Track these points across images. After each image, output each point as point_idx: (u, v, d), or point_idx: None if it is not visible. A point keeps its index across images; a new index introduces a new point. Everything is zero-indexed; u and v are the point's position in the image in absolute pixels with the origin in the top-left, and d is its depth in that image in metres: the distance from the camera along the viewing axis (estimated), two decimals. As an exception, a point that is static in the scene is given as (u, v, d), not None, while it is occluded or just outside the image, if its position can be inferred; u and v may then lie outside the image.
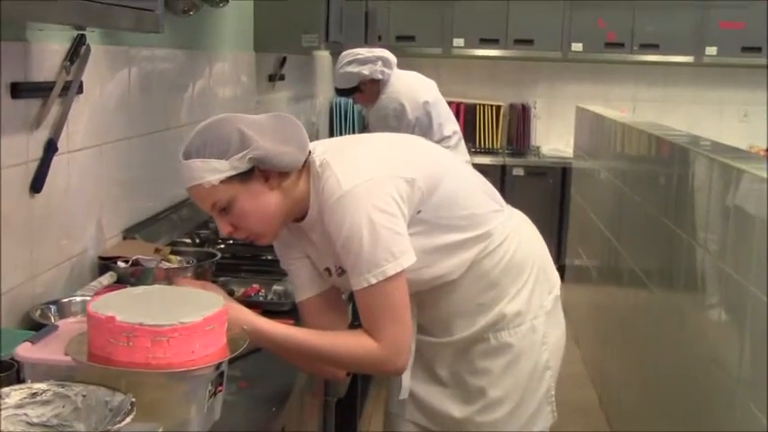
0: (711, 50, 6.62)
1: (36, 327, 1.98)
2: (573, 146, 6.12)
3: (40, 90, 2.09)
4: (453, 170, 2.06)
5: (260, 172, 1.80)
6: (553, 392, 2.19)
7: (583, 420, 4.26)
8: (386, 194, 1.82)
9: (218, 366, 1.61)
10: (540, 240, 2.23)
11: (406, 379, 2.16)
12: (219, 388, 1.67)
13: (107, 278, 2.35)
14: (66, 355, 1.57)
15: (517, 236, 2.11)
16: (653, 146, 3.74)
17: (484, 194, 2.11)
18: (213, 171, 1.77)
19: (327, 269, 1.97)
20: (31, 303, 2.11)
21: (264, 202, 1.83)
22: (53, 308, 2.13)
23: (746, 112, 7.00)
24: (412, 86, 4.37)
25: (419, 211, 1.91)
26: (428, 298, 2.08)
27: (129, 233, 2.70)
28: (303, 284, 2.05)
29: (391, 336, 1.82)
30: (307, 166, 1.89)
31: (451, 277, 2.03)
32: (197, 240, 3.08)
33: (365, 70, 4.26)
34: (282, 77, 4.79)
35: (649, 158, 3.86)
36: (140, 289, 1.78)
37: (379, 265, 1.78)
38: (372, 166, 1.86)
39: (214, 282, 2.53)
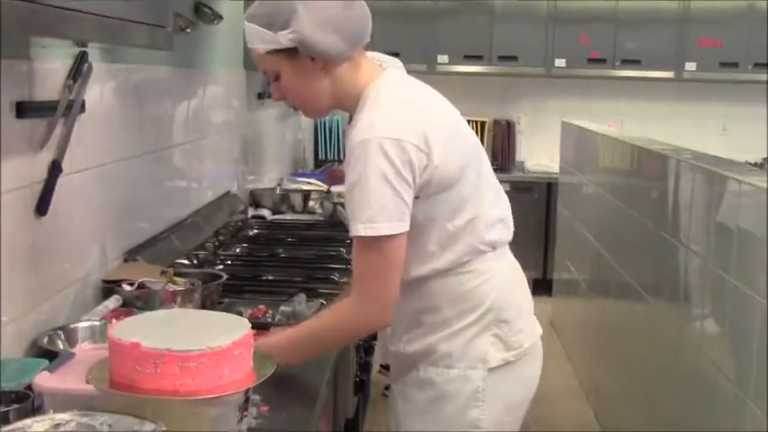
0: (691, 66, 6.65)
1: (44, 354, 1.91)
2: (559, 160, 6.10)
3: (44, 110, 2.02)
4: (477, 176, 1.94)
5: (304, 52, 1.80)
6: None
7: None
8: (407, 161, 1.77)
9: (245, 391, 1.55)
10: (514, 296, 2.03)
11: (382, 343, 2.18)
12: (245, 413, 1.60)
13: (112, 302, 2.27)
14: (88, 383, 1.49)
15: (487, 275, 1.96)
16: (646, 159, 3.72)
17: (495, 219, 1.98)
18: (261, 40, 1.81)
19: None
20: (36, 330, 2.03)
21: (308, 82, 1.85)
22: (61, 334, 2.04)
23: (725, 126, 7.03)
24: None
25: (416, 197, 1.83)
26: None
27: (130, 255, 2.62)
28: None
29: (370, 290, 1.82)
30: (369, 71, 1.90)
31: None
32: (194, 261, 3.01)
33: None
34: (270, 95, 4.72)
35: (643, 172, 3.84)
36: (160, 313, 1.71)
37: (373, 221, 1.76)
38: (412, 129, 1.79)
39: (220, 303, 2.48)
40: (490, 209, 1.97)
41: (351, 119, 1.92)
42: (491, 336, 1.96)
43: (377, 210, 1.75)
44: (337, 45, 1.82)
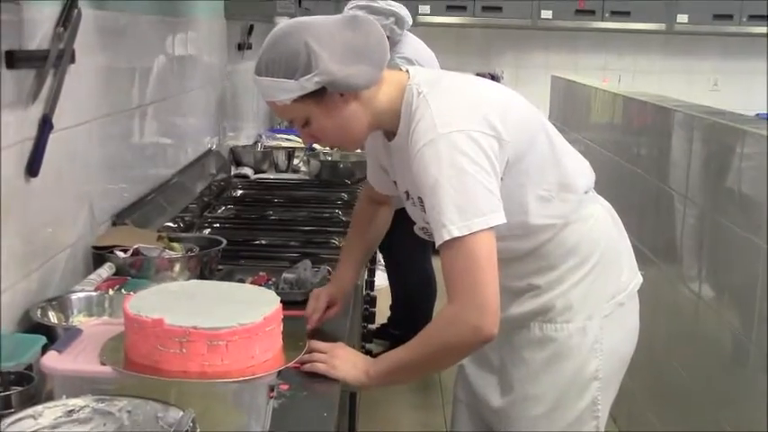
0: (683, 18, 6.56)
1: (37, 328, 1.80)
2: (548, 117, 6.02)
3: (34, 59, 1.88)
4: (547, 136, 1.93)
5: (335, 90, 1.75)
6: (600, 407, 2.02)
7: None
8: (479, 149, 1.72)
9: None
10: (615, 236, 2.06)
11: None
12: (271, 394, 1.51)
13: (106, 270, 2.15)
14: (104, 364, 1.39)
15: (590, 221, 1.98)
16: (659, 116, 3.64)
17: (576, 166, 1.99)
18: (283, 91, 1.74)
19: (407, 192, 1.94)
20: (27, 301, 1.91)
21: (342, 117, 1.79)
22: (56, 305, 1.93)
23: (716, 81, 6.98)
24: (424, 57, 4.09)
25: (501, 178, 1.79)
26: None
27: (118, 219, 2.50)
28: (371, 175, 2.17)
29: (470, 295, 1.69)
30: (396, 81, 1.84)
31: (510, 255, 1.90)
32: (181, 225, 2.89)
33: (375, 21, 3.92)
34: (250, 46, 4.59)
35: (650, 127, 3.77)
36: (176, 285, 1.60)
37: (464, 218, 1.68)
38: (472, 117, 1.76)
39: (219, 270, 2.38)
40: (570, 160, 1.98)
41: (391, 135, 1.89)
42: (603, 281, 1.99)
43: (464, 206, 1.69)
44: (367, 73, 1.77)
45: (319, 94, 1.74)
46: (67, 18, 2.01)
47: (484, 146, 1.73)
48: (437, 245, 1.72)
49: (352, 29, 1.77)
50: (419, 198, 1.83)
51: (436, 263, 4.34)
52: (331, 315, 2.07)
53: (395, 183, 2.03)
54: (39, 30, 1.92)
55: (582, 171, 2.01)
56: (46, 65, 1.91)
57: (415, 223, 2.02)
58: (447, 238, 1.68)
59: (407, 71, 1.88)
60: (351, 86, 1.75)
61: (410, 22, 4.00)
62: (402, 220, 2.26)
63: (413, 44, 4.07)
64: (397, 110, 1.83)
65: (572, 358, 1.98)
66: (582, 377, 1.99)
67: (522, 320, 2.00)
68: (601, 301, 1.99)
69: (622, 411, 3.93)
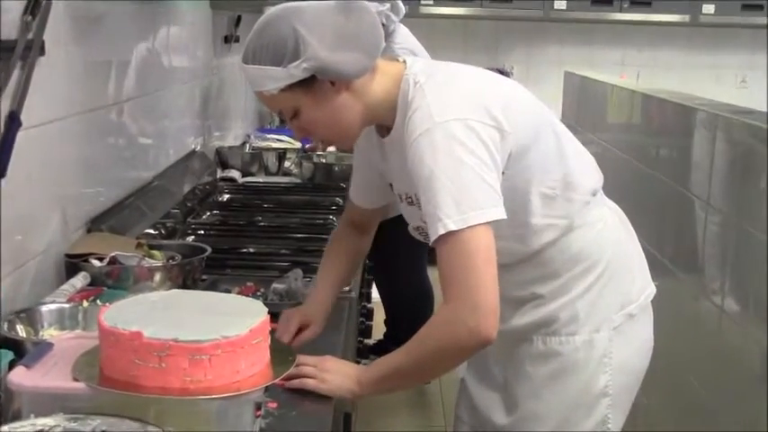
0: (709, 8, 6.54)
1: (4, 342, 1.80)
2: (561, 116, 6.03)
3: (0, 51, 1.89)
4: (553, 131, 1.95)
5: (324, 78, 1.77)
6: (610, 425, 2.04)
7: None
8: (478, 139, 1.74)
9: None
10: (625, 242, 2.08)
11: None
12: (258, 413, 1.52)
13: (80, 280, 2.17)
14: (77, 380, 1.40)
15: (597, 226, 2.00)
16: (680, 115, 3.65)
17: (583, 165, 2.01)
18: (270, 79, 1.76)
19: (405, 194, 1.95)
20: (-7, 313, 1.92)
21: (333, 107, 1.82)
22: (24, 318, 1.93)
23: (745, 78, 6.99)
24: (420, 47, 4.12)
25: (503, 173, 1.80)
26: None
27: (94, 225, 2.51)
28: (356, 190, 2.19)
29: (466, 294, 1.69)
30: (393, 71, 1.86)
31: (510, 258, 1.93)
32: (162, 231, 2.91)
33: (370, 7, 3.94)
34: (237, 39, 4.61)
35: (674, 129, 3.78)
36: (156, 295, 1.61)
37: (461, 212, 1.68)
38: (471, 107, 1.77)
39: (202, 280, 2.39)
40: (577, 158, 2.00)
41: (385, 131, 1.91)
42: (612, 290, 2.00)
43: (461, 198, 1.70)
44: (359, 61, 1.79)
45: (309, 83, 1.76)
46: (36, 5, 2.02)
47: (483, 136, 1.74)
48: (431, 241, 1.73)
49: (345, 14, 1.79)
50: (416, 195, 1.84)
51: (432, 273, 4.37)
52: (305, 338, 2.02)
53: (390, 186, 2.04)
54: (4, 18, 1.92)
55: (589, 171, 2.03)
56: (13, 57, 1.92)
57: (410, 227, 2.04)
58: (442, 232, 1.69)
59: (404, 61, 1.90)
60: (341, 74, 1.77)
61: (404, 10, 4.04)
62: (395, 226, 2.27)
63: (404, 35, 4.11)
64: (393, 101, 1.85)
65: (579, 373, 2.00)
66: (590, 393, 2.01)
67: (524, 333, 2.02)
68: (609, 312, 2.00)
69: (637, 431, 3.94)
